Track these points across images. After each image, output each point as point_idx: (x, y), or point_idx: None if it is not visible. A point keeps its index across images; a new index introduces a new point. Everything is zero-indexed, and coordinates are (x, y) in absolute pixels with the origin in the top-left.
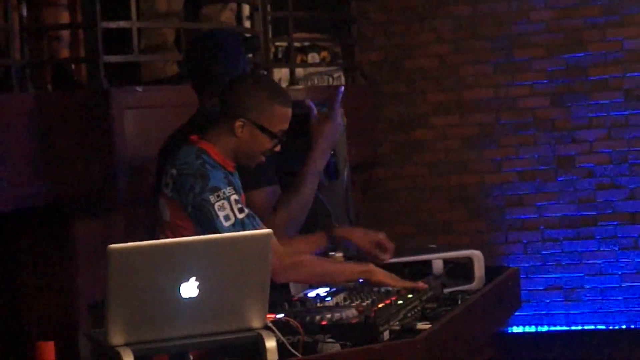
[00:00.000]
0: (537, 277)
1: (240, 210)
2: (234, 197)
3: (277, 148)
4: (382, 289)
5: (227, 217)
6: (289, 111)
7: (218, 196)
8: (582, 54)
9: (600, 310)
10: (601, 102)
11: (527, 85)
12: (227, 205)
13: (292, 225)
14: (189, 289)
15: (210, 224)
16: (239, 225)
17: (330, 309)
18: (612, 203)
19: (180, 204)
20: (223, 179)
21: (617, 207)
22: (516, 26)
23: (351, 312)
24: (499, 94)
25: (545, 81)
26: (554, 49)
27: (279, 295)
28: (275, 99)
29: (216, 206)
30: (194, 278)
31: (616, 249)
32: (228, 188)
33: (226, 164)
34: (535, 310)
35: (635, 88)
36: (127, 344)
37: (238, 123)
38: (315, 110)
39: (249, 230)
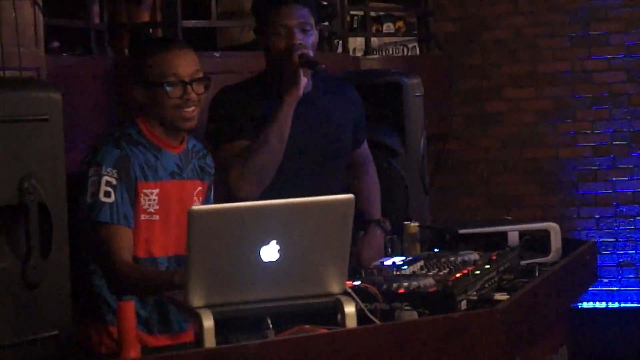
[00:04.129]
0: (609, 253)
1: (107, 195)
2: (108, 178)
3: (192, 94)
4: (459, 259)
5: (92, 194)
6: (167, 54)
7: (95, 171)
8: None
9: None
10: None
11: (603, 59)
12: (96, 183)
13: (251, 180)
14: (270, 252)
15: (80, 194)
16: (98, 206)
17: (407, 277)
18: None
19: None
20: (114, 159)
21: None
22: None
23: (428, 281)
24: (574, 68)
25: (621, 55)
26: (631, 23)
27: (354, 262)
28: (147, 52)
29: (89, 180)
30: (274, 241)
31: None
32: (110, 169)
33: (158, 140)
34: (606, 287)
35: None
36: (207, 306)
37: (134, 92)
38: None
39: (103, 216)
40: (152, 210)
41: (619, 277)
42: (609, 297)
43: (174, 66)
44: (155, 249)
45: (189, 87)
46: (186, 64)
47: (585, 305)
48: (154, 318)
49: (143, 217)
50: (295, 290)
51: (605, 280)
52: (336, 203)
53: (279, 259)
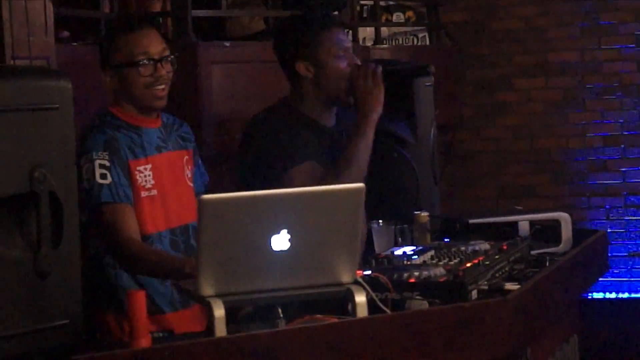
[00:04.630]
0: (619, 244)
1: (103, 177)
2: (100, 162)
3: (162, 71)
4: (470, 249)
5: (88, 180)
6: (134, 35)
7: (87, 159)
8: None
9: None
10: None
11: (613, 49)
12: (90, 169)
13: None
14: (280, 241)
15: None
16: (96, 189)
17: (417, 267)
18: None
19: None
20: (102, 143)
21: None
22: None
23: (439, 271)
24: (584, 58)
25: (632, 46)
26: None
27: (364, 252)
28: (113, 35)
29: (83, 169)
30: (285, 231)
31: None
32: (100, 152)
33: (135, 120)
34: (616, 277)
35: None
36: (217, 295)
37: (103, 79)
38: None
39: (104, 197)
40: (150, 186)
41: (629, 267)
42: (619, 287)
43: (143, 45)
44: (159, 223)
45: (159, 64)
46: (154, 42)
47: (595, 295)
48: (175, 293)
49: (144, 194)
50: (305, 279)
51: (616, 270)
52: (347, 192)
53: (289, 248)
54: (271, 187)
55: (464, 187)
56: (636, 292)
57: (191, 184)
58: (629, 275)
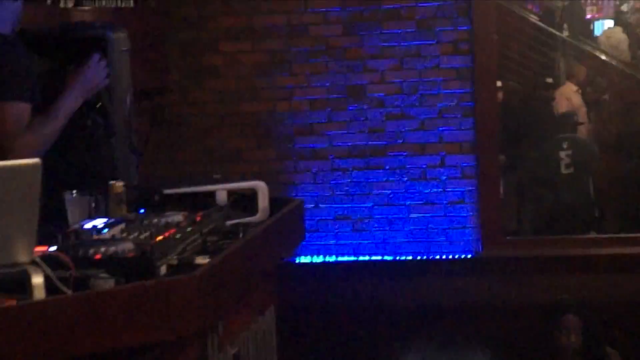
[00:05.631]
0: (326, 207)
1: None
2: None
3: None
4: (162, 221)
5: None
6: None
7: None
8: None
9: (387, 241)
10: (393, 31)
11: (319, 12)
12: None
13: (40, 148)
14: None
15: None
16: None
17: (105, 242)
18: (402, 133)
19: None
20: None
21: (406, 137)
22: None
23: (127, 246)
24: (291, 21)
25: (337, 9)
26: None
27: (54, 226)
28: None
29: None
30: None
31: (404, 179)
32: None
33: None
34: (323, 240)
35: (427, 18)
36: None
37: None
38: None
39: None
40: None
41: (336, 230)
42: (326, 250)
43: None
44: None
45: None
46: None
47: (302, 259)
48: None
49: None
50: None
51: (323, 233)
52: (22, 168)
53: None
54: None
55: (171, 152)
56: (342, 254)
57: None
58: (335, 239)
